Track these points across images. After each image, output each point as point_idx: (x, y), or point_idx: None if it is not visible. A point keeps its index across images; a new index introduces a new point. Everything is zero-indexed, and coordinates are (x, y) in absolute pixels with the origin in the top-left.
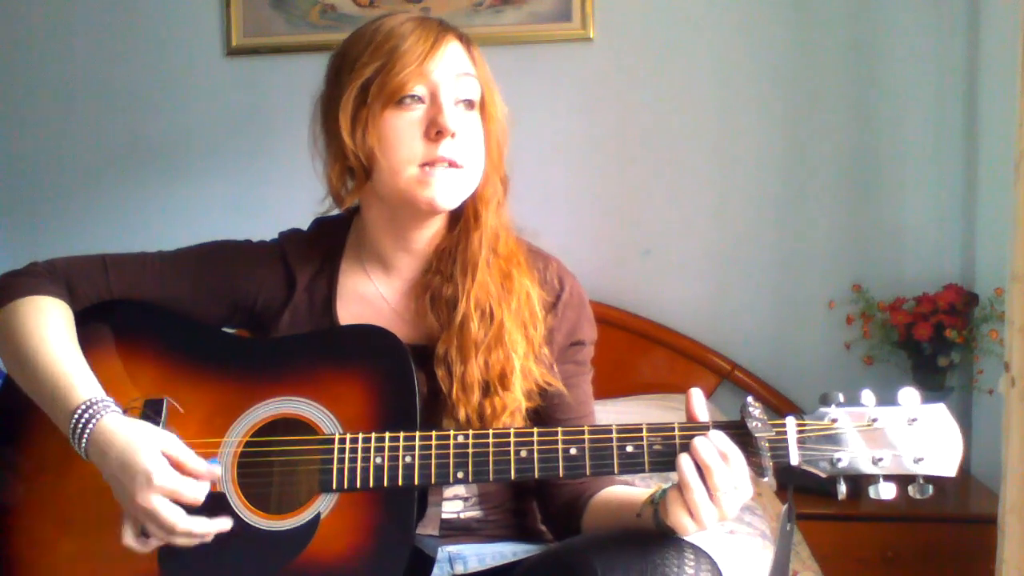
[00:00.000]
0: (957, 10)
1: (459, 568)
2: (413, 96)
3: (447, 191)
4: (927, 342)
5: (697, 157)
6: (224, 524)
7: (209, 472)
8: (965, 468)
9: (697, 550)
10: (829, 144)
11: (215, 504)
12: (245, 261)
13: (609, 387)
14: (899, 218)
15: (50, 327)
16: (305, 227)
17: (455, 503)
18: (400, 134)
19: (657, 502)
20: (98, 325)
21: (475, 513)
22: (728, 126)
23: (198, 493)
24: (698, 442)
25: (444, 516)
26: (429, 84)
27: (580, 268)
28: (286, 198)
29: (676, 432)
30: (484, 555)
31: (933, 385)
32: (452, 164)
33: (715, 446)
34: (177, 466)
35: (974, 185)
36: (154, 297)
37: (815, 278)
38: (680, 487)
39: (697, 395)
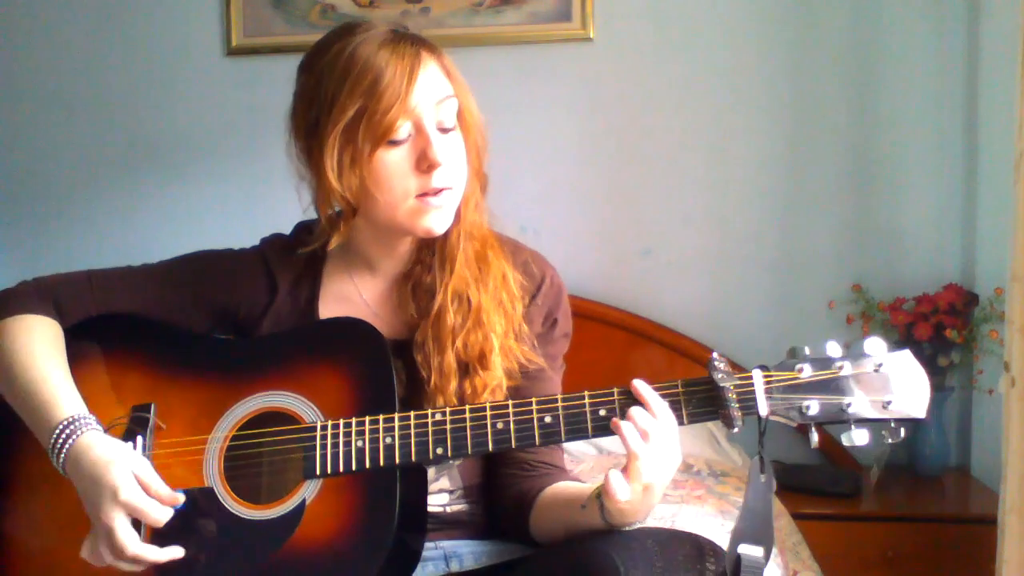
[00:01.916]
0: (957, 10)
1: (454, 566)
2: (399, 134)
3: (443, 217)
4: (927, 342)
5: (697, 157)
6: (176, 553)
7: (171, 498)
8: (965, 468)
9: (714, 545)
10: (829, 144)
11: (203, 500)
12: (226, 271)
13: (609, 387)
14: (899, 218)
15: (37, 345)
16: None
17: (440, 496)
18: (392, 171)
19: (602, 494)
20: (86, 339)
21: (462, 507)
22: (728, 126)
23: (160, 515)
24: (633, 410)
25: (431, 510)
26: (413, 117)
27: (580, 268)
28: (285, 198)
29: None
30: (480, 553)
31: (933, 385)
32: (445, 189)
33: (646, 408)
34: (144, 488)
35: (974, 185)
36: (139, 310)
37: (815, 278)
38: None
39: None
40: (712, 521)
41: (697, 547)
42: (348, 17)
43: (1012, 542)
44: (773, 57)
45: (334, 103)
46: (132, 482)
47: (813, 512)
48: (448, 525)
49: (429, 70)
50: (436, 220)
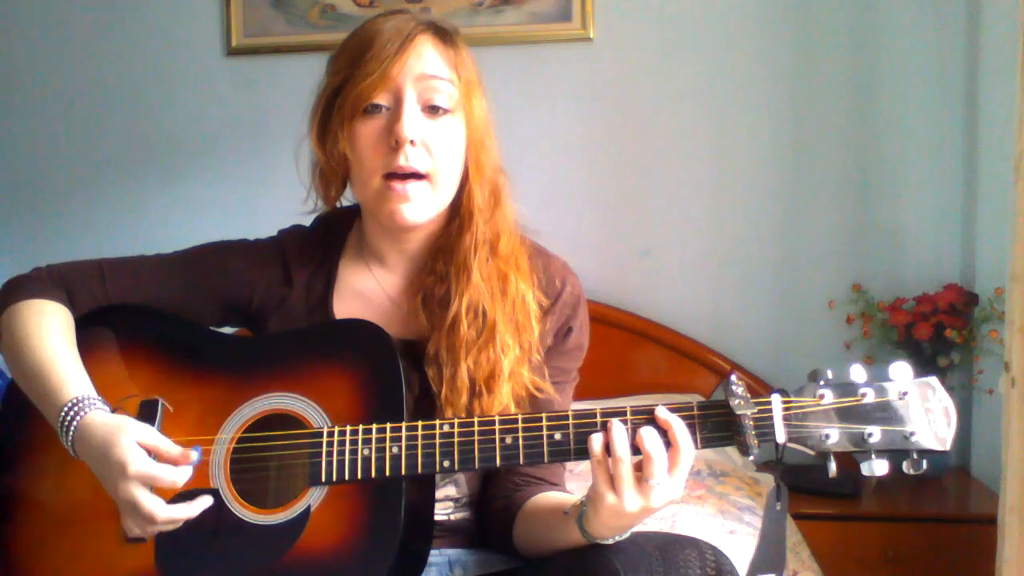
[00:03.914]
0: (957, 10)
1: (458, 573)
2: (376, 105)
3: (409, 206)
4: (927, 342)
5: (697, 157)
6: (205, 501)
7: (184, 455)
8: (965, 468)
9: (716, 550)
10: (829, 144)
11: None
12: (239, 261)
13: (609, 387)
14: (899, 218)
15: (47, 329)
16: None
17: (445, 504)
18: (365, 144)
19: (585, 503)
20: (95, 330)
21: (466, 514)
22: (728, 126)
23: (176, 476)
24: (643, 431)
25: (436, 517)
26: (393, 90)
27: (580, 268)
28: (285, 198)
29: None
30: (485, 562)
31: None
32: (415, 174)
33: (671, 439)
34: (155, 454)
35: (974, 185)
36: (150, 301)
37: (815, 278)
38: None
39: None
40: (712, 521)
41: (698, 551)
42: (348, 17)
43: (1012, 542)
44: (773, 57)
45: (327, 74)
46: (138, 452)
47: (813, 512)
48: (452, 532)
49: (423, 47)
50: (400, 209)
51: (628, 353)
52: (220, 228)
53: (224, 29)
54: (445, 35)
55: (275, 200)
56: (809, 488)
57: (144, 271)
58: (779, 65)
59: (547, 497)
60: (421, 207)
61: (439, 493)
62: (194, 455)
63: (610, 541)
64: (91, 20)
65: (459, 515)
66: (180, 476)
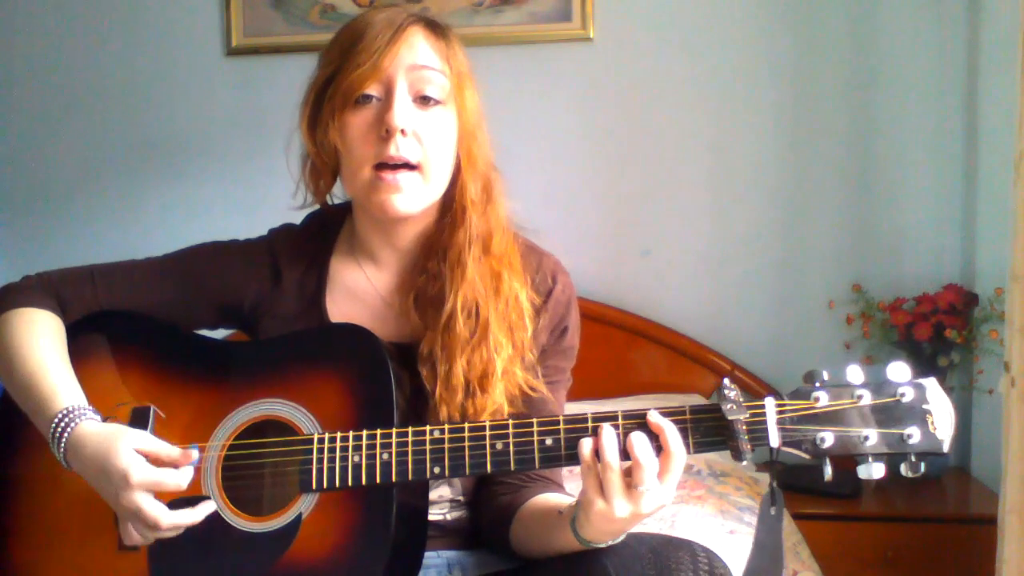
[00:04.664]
0: (957, 10)
1: (457, 574)
2: (367, 96)
3: (400, 196)
4: (927, 342)
5: (697, 157)
6: (209, 507)
7: (185, 455)
8: (965, 468)
9: (709, 552)
10: (829, 144)
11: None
12: (231, 262)
13: (609, 387)
14: (899, 218)
15: (39, 338)
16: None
17: (441, 505)
18: (355, 134)
19: (578, 507)
20: (86, 337)
21: (462, 514)
22: (728, 126)
23: (180, 478)
24: (633, 437)
25: (432, 519)
26: (384, 80)
27: (580, 268)
28: (285, 197)
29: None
30: (484, 563)
31: None
32: (406, 165)
33: (662, 442)
34: (154, 459)
35: (974, 185)
36: (142, 305)
37: (815, 278)
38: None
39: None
40: (712, 521)
41: (691, 553)
42: (348, 17)
43: (1012, 542)
44: (773, 57)
45: (319, 66)
46: (138, 459)
47: (813, 512)
48: (450, 534)
49: (415, 38)
50: (390, 199)
51: (628, 353)
52: (220, 228)
53: (224, 29)
54: (437, 27)
55: (275, 200)
56: (809, 488)
57: (136, 276)
58: (779, 65)
59: (545, 498)
60: (412, 198)
61: (433, 494)
62: (194, 454)
63: (603, 545)
64: (91, 20)
65: (456, 515)
66: (183, 478)
